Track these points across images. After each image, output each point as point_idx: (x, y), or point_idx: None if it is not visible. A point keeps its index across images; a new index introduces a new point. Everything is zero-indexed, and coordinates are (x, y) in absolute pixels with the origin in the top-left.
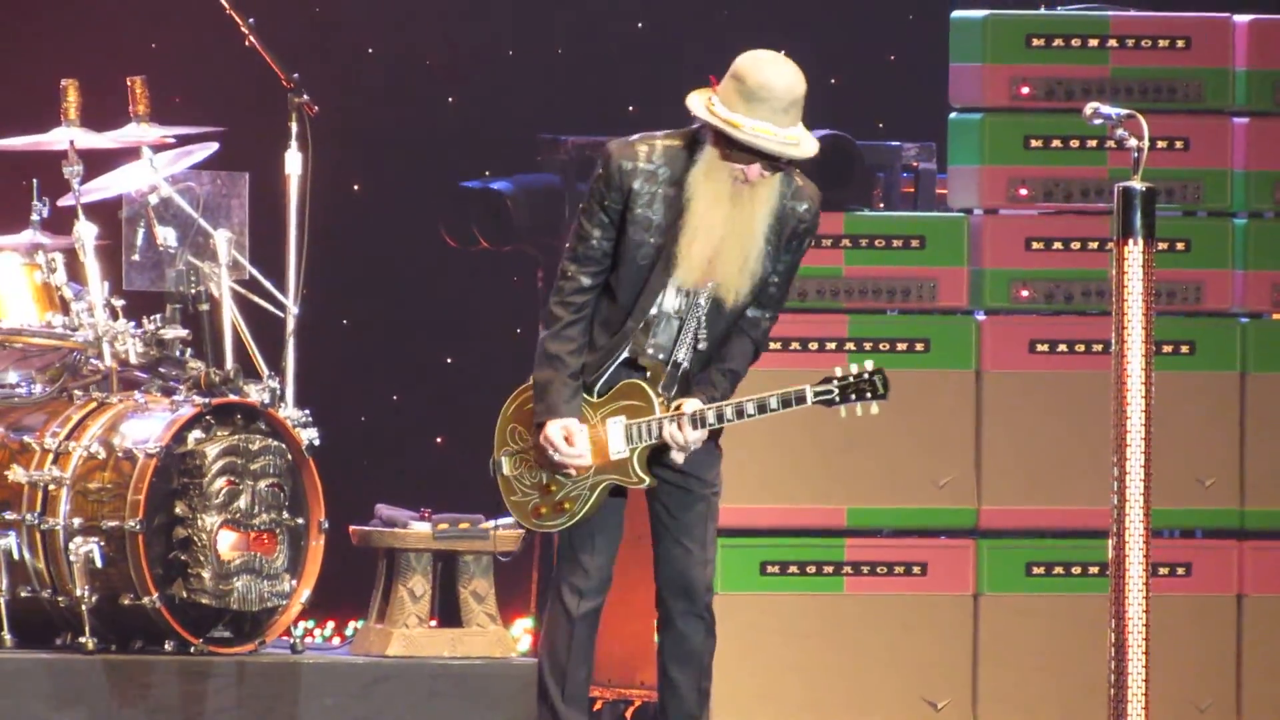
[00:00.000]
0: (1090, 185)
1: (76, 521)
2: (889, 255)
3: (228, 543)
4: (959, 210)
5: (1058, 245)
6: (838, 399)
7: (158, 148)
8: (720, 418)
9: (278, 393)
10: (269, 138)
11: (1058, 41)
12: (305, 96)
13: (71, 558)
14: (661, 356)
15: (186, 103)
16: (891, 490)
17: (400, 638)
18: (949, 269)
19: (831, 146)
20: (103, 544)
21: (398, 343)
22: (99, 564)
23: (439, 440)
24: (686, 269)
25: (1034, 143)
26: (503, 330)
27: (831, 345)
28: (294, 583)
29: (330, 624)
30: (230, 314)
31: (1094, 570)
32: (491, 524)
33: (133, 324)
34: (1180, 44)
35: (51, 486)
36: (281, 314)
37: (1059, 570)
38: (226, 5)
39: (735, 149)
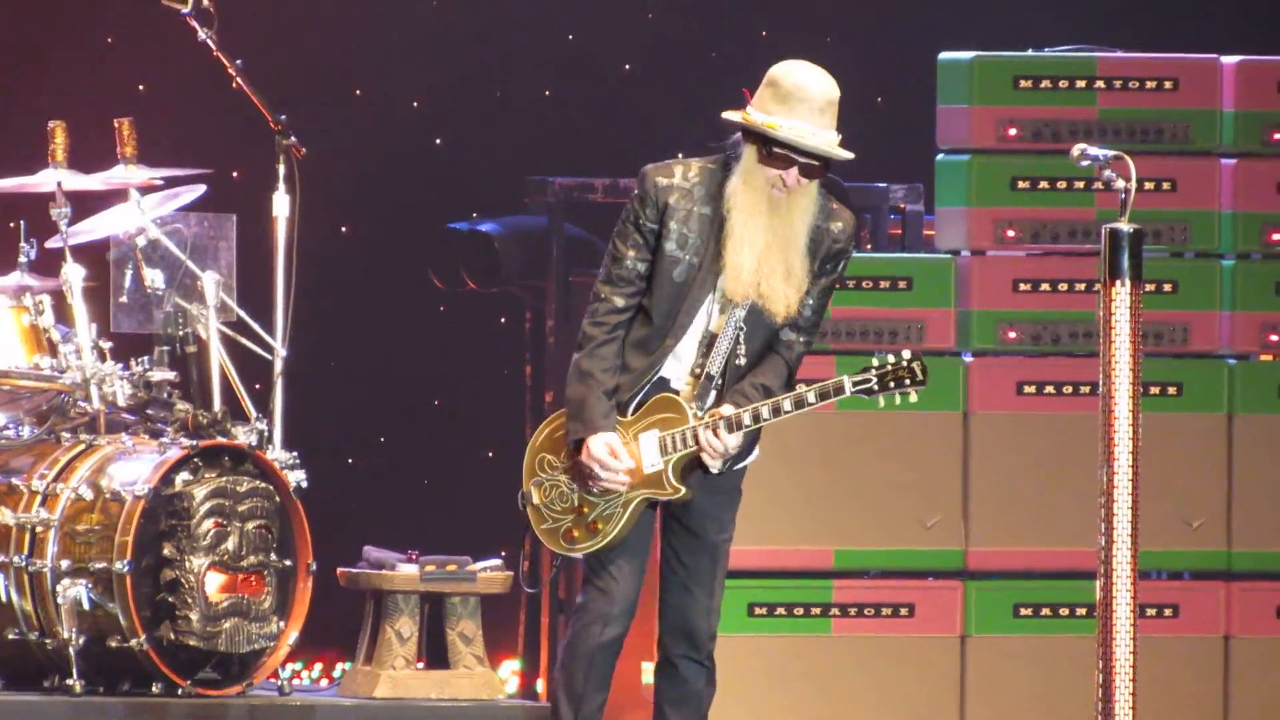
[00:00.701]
0: (1078, 226)
1: (64, 563)
2: (876, 296)
3: (215, 584)
4: (946, 251)
5: (1045, 286)
6: (876, 387)
7: (145, 190)
8: (757, 418)
9: (266, 435)
10: (257, 180)
11: (1045, 83)
12: (293, 138)
13: (59, 599)
14: (696, 372)
15: (174, 145)
16: (879, 531)
17: (388, 679)
18: (936, 310)
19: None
20: (90, 586)
21: (385, 385)
22: (86, 606)
23: (426, 482)
24: (734, 278)
25: (1021, 184)
26: (490, 372)
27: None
28: (282, 624)
29: (318, 665)
30: (218, 356)
31: (1081, 611)
32: (479, 566)
33: (120, 366)
34: (1168, 85)
35: (39, 528)
36: (269, 356)
37: (1046, 611)
38: (214, 47)
39: (774, 153)
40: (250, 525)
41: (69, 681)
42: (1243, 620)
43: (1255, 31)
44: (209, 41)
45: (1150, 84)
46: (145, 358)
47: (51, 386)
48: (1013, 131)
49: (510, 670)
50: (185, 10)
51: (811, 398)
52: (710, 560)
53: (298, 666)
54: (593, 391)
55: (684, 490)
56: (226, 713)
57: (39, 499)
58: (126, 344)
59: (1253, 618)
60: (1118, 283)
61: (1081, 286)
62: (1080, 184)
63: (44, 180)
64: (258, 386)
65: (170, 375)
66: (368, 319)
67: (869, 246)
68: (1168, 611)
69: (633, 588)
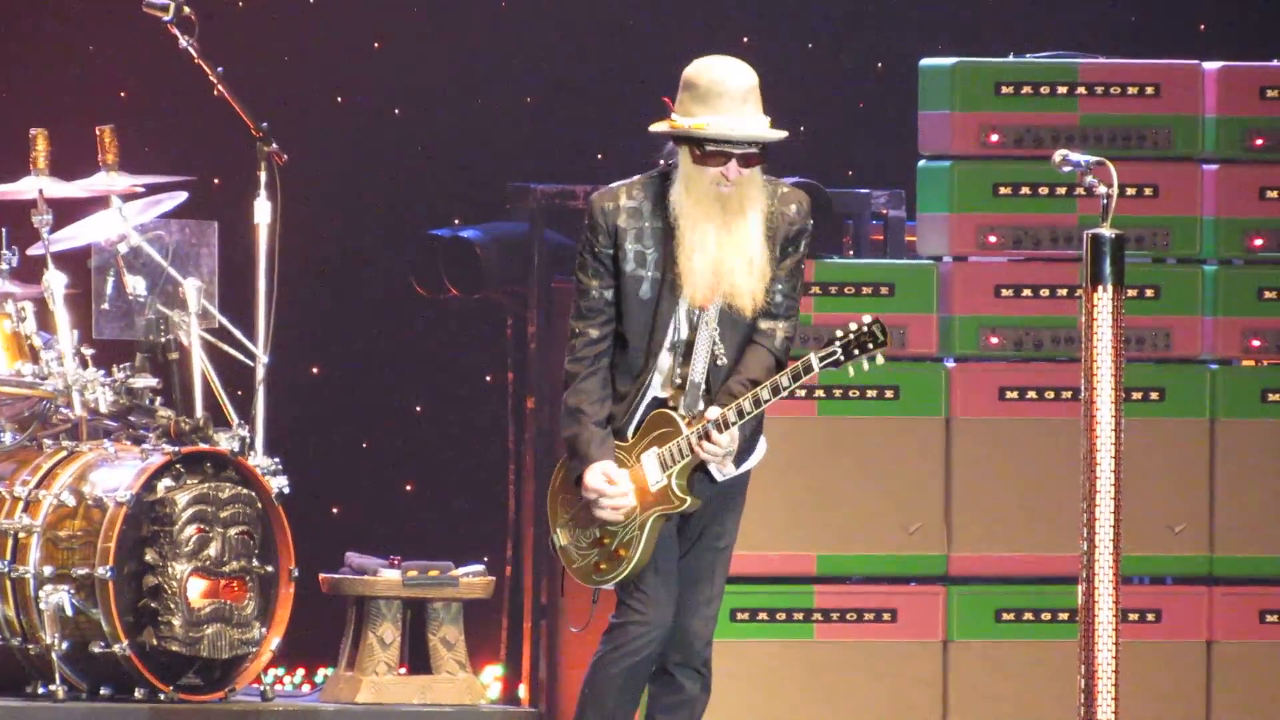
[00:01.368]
0: (1059, 232)
1: (47, 569)
2: (858, 302)
3: (198, 590)
4: (928, 257)
5: (1027, 292)
6: (842, 357)
7: (127, 197)
8: (741, 413)
9: (247, 441)
10: (238, 186)
11: (1026, 89)
12: (274, 145)
13: (42, 605)
14: (679, 382)
15: (155, 152)
16: (861, 537)
17: (370, 685)
18: (918, 316)
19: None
20: (73, 592)
21: (367, 391)
22: (69, 612)
23: (409, 488)
24: (692, 286)
25: (1003, 190)
26: (472, 378)
27: (801, 392)
28: (264, 630)
29: (300, 671)
30: (200, 362)
31: (1064, 617)
32: (461, 571)
33: (102, 373)
34: (1149, 91)
35: (22, 534)
36: (251, 362)
37: (1029, 617)
38: (195, 55)
39: (708, 152)
40: (232, 531)
41: (52, 687)
42: (1225, 625)
43: (1237, 37)
44: (190, 49)
45: (1132, 90)
46: (127, 364)
47: (33, 393)
48: (994, 137)
49: (493, 676)
50: (167, 18)
51: (785, 381)
52: (709, 566)
53: (280, 672)
54: (584, 426)
55: (691, 499)
56: (209, 718)
57: (21, 505)
58: (108, 351)
59: (1235, 622)
60: (1100, 288)
61: (1064, 292)
62: (1062, 190)
63: (26, 187)
64: (239, 393)
65: (152, 382)
66: (349, 325)
67: (851, 253)
68: (1150, 616)
69: (668, 606)
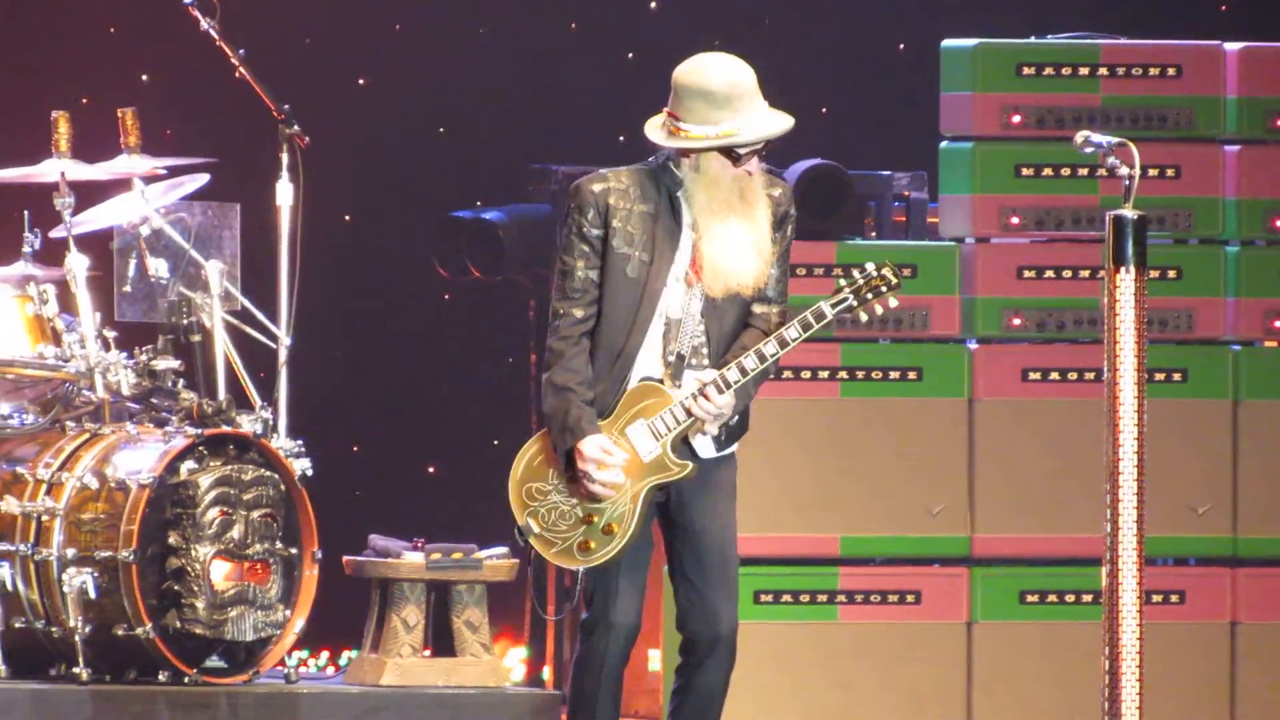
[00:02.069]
0: (1082, 213)
1: (70, 552)
2: None
3: (221, 573)
4: (951, 239)
5: (1049, 273)
6: (855, 303)
7: (149, 179)
8: (743, 371)
9: (270, 423)
10: (260, 169)
11: (1048, 70)
12: (296, 128)
13: (65, 588)
14: (670, 359)
15: (177, 134)
16: (885, 519)
17: (394, 667)
18: (941, 298)
19: (823, 176)
20: (96, 575)
21: (390, 372)
22: (92, 595)
23: (432, 470)
24: (717, 278)
25: (1025, 171)
26: (495, 359)
27: (824, 374)
28: (288, 613)
29: (324, 654)
30: (222, 345)
31: (1087, 598)
32: (484, 554)
33: (125, 355)
34: (1171, 72)
35: (45, 517)
36: (274, 344)
37: (1052, 598)
38: (217, 37)
39: (738, 154)
40: (255, 514)
41: (75, 670)
42: (1248, 606)
43: (1259, 18)
44: (211, 31)
45: (1154, 71)
46: (149, 347)
47: (56, 376)
48: (1016, 119)
49: (516, 658)
50: (188, 0)
51: (793, 333)
52: (719, 557)
53: (304, 654)
54: (573, 402)
55: (690, 465)
56: (233, 701)
57: (44, 488)
58: (131, 333)
59: (1259, 603)
60: (1122, 269)
61: (1086, 273)
62: (1084, 171)
63: (48, 170)
64: (262, 375)
65: (174, 364)
66: (372, 307)
67: (873, 234)
68: (1174, 598)
69: (637, 598)
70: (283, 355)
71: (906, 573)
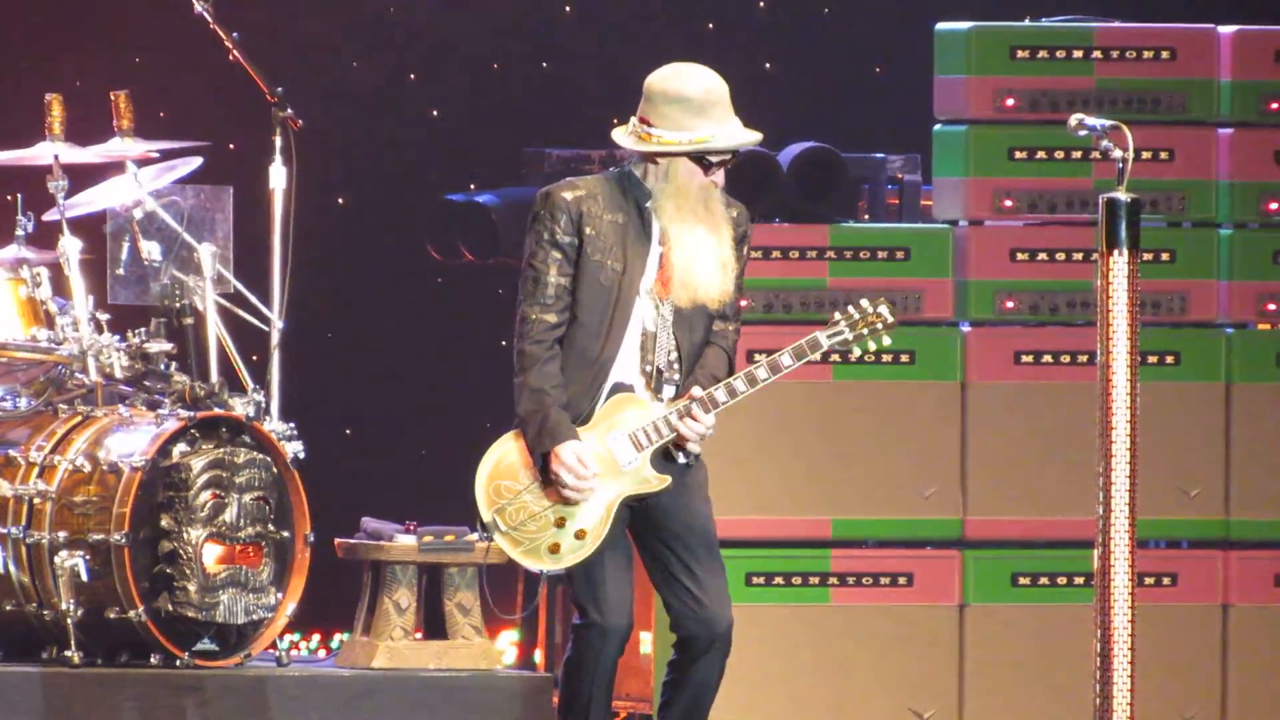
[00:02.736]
0: (1075, 196)
1: (62, 535)
2: (874, 267)
3: (213, 556)
4: (944, 222)
5: (1043, 256)
6: (850, 337)
7: (142, 162)
8: (732, 393)
9: (263, 406)
10: (253, 152)
11: (1042, 53)
12: (289, 111)
13: (57, 571)
14: (647, 370)
15: (171, 117)
16: (877, 501)
17: (386, 650)
18: (934, 280)
19: (816, 159)
20: (88, 557)
21: (382, 356)
22: (84, 577)
23: (424, 453)
24: (681, 285)
25: (1019, 154)
26: (487, 343)
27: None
28: (279, 595)
29: (316, 637)
30: (215, 328)
31: (1080, 580)
32: (476, 536)
33: (118, 338)
34: (1165, 55)
35: (37, 500)
36: (266, 327)
37: (1045, 581)
38: (211, 20)
39: (713, 163)
40: (248, 496)
41: (67, 653)
42: (1241, 588)
43: (1252, 1)
44: (205, 14)
45: (1147, 54)
46: (142, 329)
47: (49, 358)
48: (1010, 102)
49: (508, 641)
50: None
51: (787, 360)
52: (706, 555)
53: (296, 637)
54: (550, 406)
55: (669, 480)
56: (225, 684)
57: (36, 470)
58: (123, 316)
59: (1251, 586)
60: (1115, 252)
61: (1079, 256)
62: (1078, 154)
63: (41, 153)
64: (254, 358)
65: (167, 347)
66: (364, 290)
67: (866, 217)
68: (1166, 580)
69: (627, 600)
70: (275, 338)
71: (899, 555)
